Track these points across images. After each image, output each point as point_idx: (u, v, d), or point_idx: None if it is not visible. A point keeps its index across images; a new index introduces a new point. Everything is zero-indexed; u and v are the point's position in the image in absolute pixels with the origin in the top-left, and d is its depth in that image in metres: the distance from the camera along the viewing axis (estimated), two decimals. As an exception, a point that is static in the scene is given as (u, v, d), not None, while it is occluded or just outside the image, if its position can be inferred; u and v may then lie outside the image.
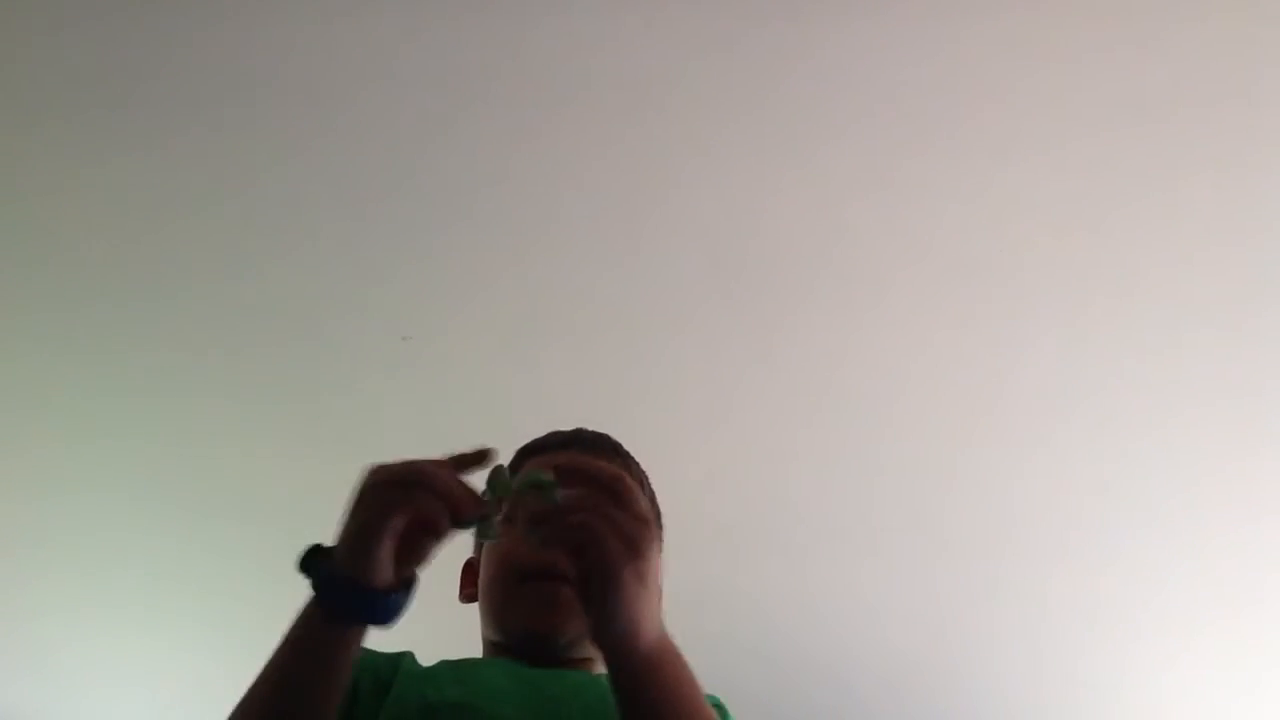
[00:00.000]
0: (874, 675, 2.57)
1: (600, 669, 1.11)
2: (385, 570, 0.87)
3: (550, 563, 1.06)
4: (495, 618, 1.12)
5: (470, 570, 1.22)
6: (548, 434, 1.24)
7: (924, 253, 1.93)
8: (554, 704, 1.01)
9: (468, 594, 1.20)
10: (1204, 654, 2.47)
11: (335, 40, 1.75)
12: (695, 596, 2.48)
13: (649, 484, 1.22)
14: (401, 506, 0.88)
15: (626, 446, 1.22)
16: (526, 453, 1.22)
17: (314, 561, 0.90)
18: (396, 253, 1.99)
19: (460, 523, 0.89)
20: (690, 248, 1.95)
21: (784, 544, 2.33)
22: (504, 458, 1.23)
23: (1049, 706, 2.61)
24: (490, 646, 1.14)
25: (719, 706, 1.00)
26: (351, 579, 0.86)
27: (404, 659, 1.07)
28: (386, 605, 0.87)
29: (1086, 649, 2.48)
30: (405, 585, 0.89)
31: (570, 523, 0.86)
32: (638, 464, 1.22)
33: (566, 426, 1.25)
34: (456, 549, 1.19)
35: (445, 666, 1.06)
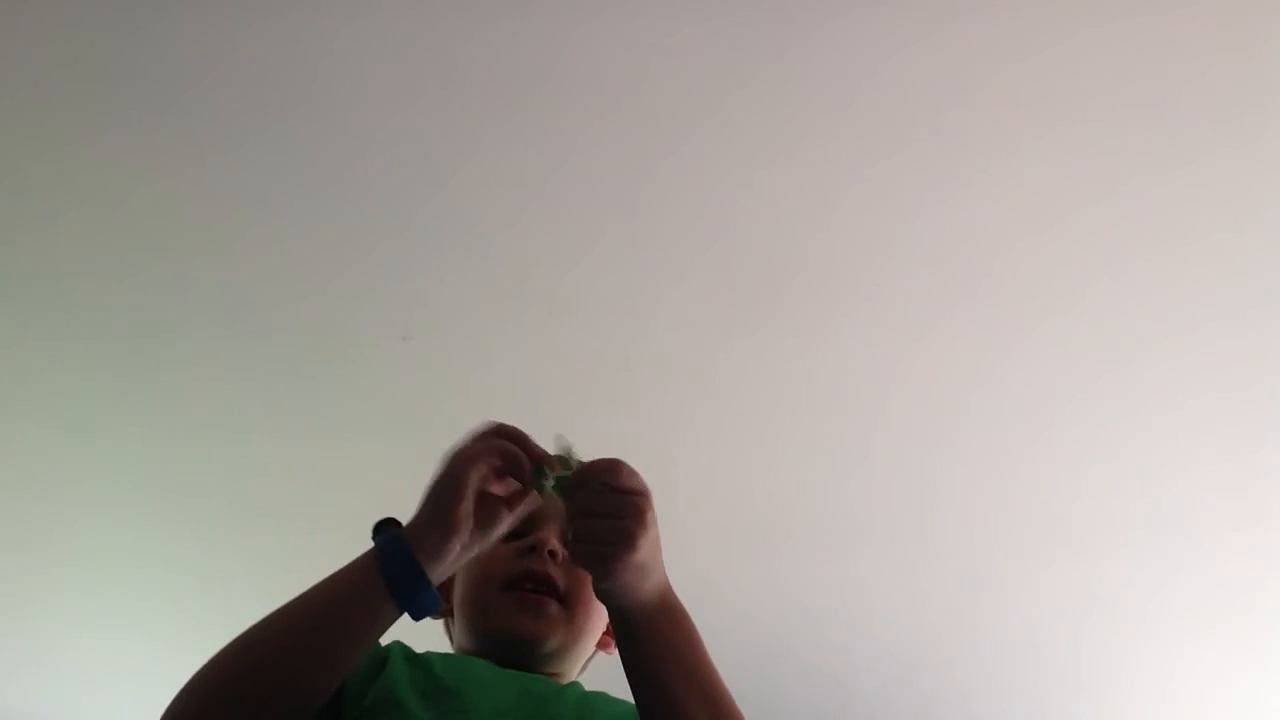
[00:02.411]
0: (869, 675, 2.58)
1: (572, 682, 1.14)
2: (463, 527, 0.94)
3: (533, 571, 1.10)
4: (476, 624, 1.12)
5: (441, 587, 1.23)
6: None
7: (920, 251, 1.93)
8: (539, 700, 1.03)
9: (440, 610, 1.21)
10: (1203, 654, 2.47)
11: (335, 41, 1.75)
12: (689, 596, 2.47)
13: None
14: (484, 455, 0.96)
15: (620, 447, 1.23)
16: None
17: (386, 531, 0.97)
18: (397, 253, 1.99)
19: (522, 479, 0.98)
20: (686, 249, 1.95)
21: (778, 544, 2.33)
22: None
23: (1047, 706, 2.61)
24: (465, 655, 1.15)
25: None
26: (413, 556, 0.93)
27: (395, 644, 1.07)
28: (430, 596, 0.93)
29: (1084, 649, 2.49)
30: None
31: (611, 476, 0.95)
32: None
33: (563, 426, 1.26)
34: None
35: (435, 655, 1.08)
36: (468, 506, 0.94)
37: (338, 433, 2.25)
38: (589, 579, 1.09)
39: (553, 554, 1.11)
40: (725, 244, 1.94)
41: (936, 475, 2.22)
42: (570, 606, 1.10)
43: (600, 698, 1.08)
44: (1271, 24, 1.65)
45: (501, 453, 0.97)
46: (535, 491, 0.98)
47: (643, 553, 0.92)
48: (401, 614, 0.94)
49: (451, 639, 1.19)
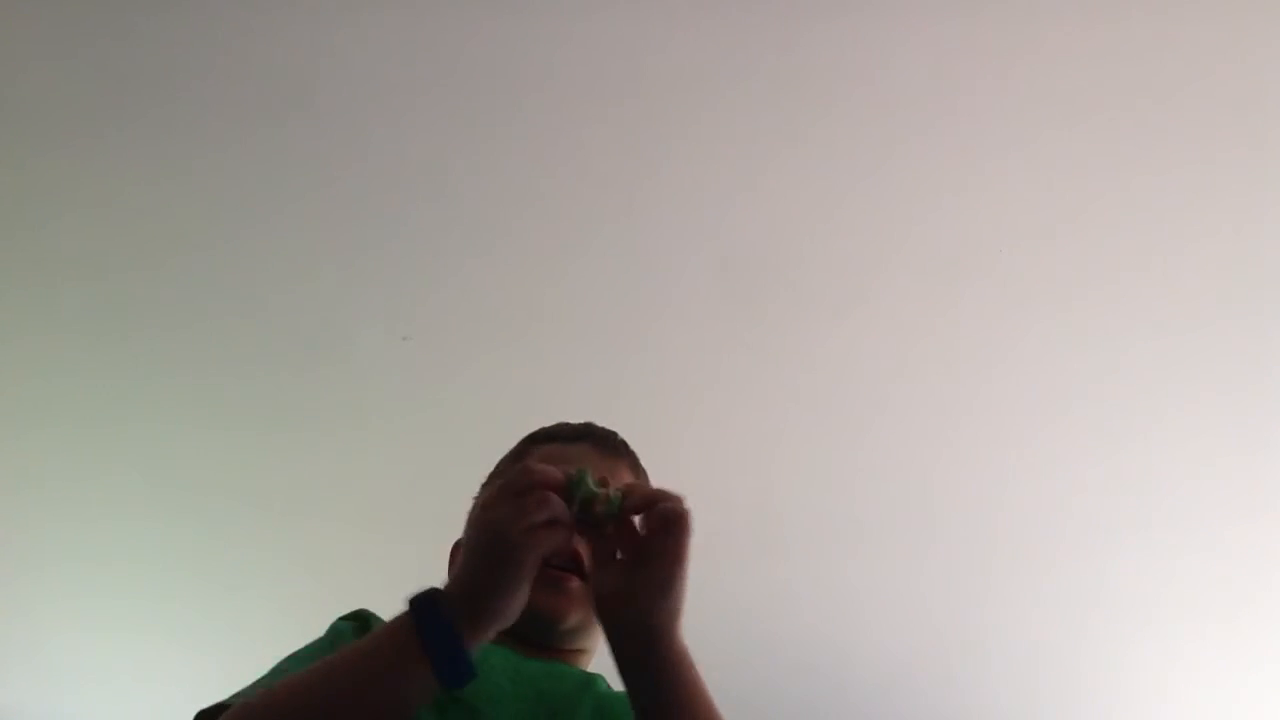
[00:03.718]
0: (869, 675, 2.57)
1: (591, 663, 1.12)
2: (521, 603, 0.90)
3: (558, 549, 1.08)
4: None
5: (460, 552, 1.22)
6: (557, 425, 1.25)
7: (920, 251, 1.93)
8: (552, 715, 1.02)
9: None
10: (1203, 653, 2.47)
11: (335, 42, 1.75)
12: (688, 597, 2.47)
13: (648, 481, 1.23)
14: (546, 541, 0.91)
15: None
16: (534, 440, 1.23)
17: (430, 603, 0.90)
18: (397, 253, 2.00)
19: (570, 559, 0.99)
20: (685, 250, 1.95)
21: (777, 544, 2.33)
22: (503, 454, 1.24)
23: (1047, 705, 2.61)
24: None
25: None
26: (463, 645, 0.88)
27: None
28: (469, 676, 0.89)
29: (1084, 648, 2.49)
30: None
31: (673, 502, 0.95)
32: (641, 464, 1.23)
33: (575, 424, 1.26)
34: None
35: None
36: (524, 596, 0.90)
37: (338, 432, 2.25)
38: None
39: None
40: (725, 242, 1.94)
41: (936, 475, 2.22)
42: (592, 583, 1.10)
43: (621, 699, 1.07)
44: (1272, 26, 1.65)
45: (549, 514, 0.91)
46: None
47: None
48: (451, 689, 0.90)
49: None
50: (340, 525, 2.34)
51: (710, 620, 2.33)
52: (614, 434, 1.23)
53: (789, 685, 2.57)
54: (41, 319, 2.13)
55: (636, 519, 0.96)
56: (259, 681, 0.98)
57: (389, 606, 1.08)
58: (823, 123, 1.79)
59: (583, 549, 1.08)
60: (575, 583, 1.09)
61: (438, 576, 1.22)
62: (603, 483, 0.97)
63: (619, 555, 0.96)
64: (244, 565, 2.44)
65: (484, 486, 1.23)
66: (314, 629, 1.10)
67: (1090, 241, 1.89)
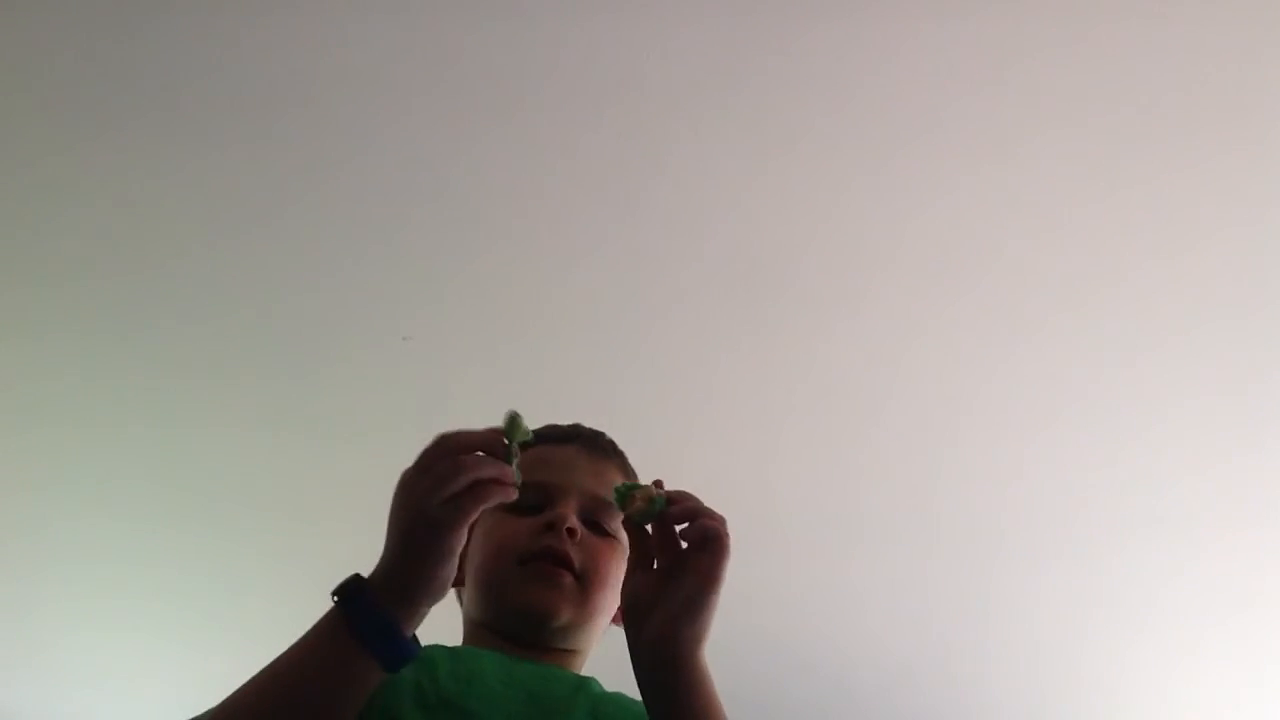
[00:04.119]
0: (870, 675, 2.57)
1: (584, 665, 1.12)
2: (449, 574, 0.89)
3: (551, 549, 1.08)
4: (490, 597, 1.10)
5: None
6: (546, 426, 1.24)
7: (920, 252, 1.93)
8: (545, 715, 1.01)
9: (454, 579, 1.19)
10: (1204, 653, 2.47)
11: (335, 41, 1.75)
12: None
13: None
14: (476, 506, 0.89)
15: (621, 446, 1.23)
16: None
17: (354, 591, 0.90)
18: (397, 253, 1.99)
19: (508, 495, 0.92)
20: (687, 249, 1.95)
21: (778, 543, 2.33)
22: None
23: (1047, 705, 2.61)
24: (476, 628, 1.13)
25: None
26: (392, 624, 0.87)
27: None
28: (411, 649, 0.89)
29: (1085, 647, 2.49)
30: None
31: (715, 522, 0.93)
32: (630, 465, 1.22)
33: (564, 426, 1.26)
34: None
35: (441, 653, 1.04)
36: (453, 566, 0.89)
37: (337, 432, 2.26)
38: (606, 555, 1.10)
39: (571, 531, 1.09)
40: (725, 242, 1.94)
41: (937, 475, 2.22)
42: (585, 582, 1.09)
43: (616, 700, 1.06)
44: (1274, 26, 1.65)
45: (474, 478, 0.89)
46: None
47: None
48: (393, 667, 0.89)
49: (461, 603, 1.17)
50: (340, 525, 2.33)
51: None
52: (602, 434, 1.23)
53: (790, 685, 2.57)
54: (42, 320, 2.13)
55: (678, 528, 0.95)
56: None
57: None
58: (825, 123, 1.78)
59: (575, 554, 1.08)
60: (568, 579, 1.08)
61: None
62: (658, 484, 0.96)
63: (656, 564, 0.96)
64: (244, 566, 2.44)
65: None
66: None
67: (1092, 242, 1.89)
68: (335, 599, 0.90)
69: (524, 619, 1.08)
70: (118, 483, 2.37)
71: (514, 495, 0.92)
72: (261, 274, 2.04)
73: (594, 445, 1.20)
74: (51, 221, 1.99)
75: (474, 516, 0.89)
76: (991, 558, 2.33)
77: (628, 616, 0.96)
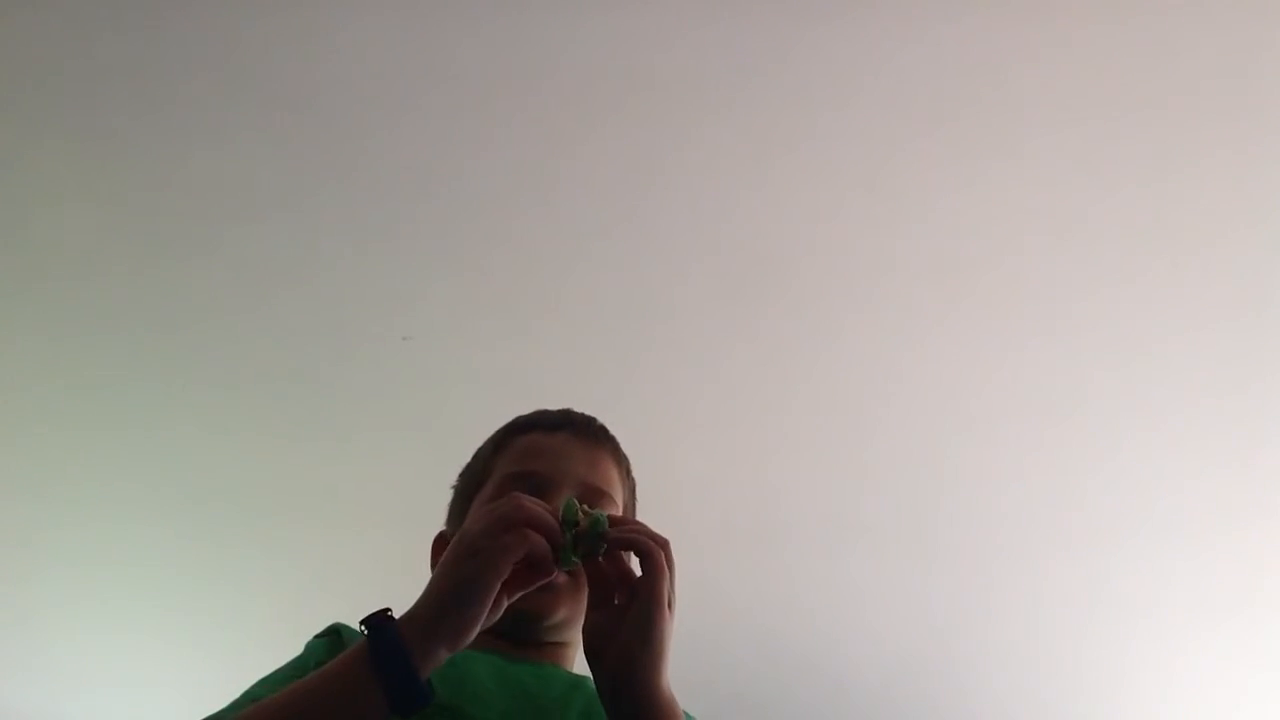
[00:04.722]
0: (870, 674, 2.57)
1: (577, 661, 1.11)
2: (472, 635, 0.88)
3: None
4: None
5: (442, 544, 1.19)
6: (536, 413, 1.23)
7: (923, 254, 1.93)
8: (540, 714, 1.01)
9: None
10: (1204, 653, 2.47)
11: (335, 42, 1.75)
12: (691, 598, 2.47)
13: (631, 471, 1.22)
14: (513, 554, 0.88)
15: (621, 445, 1.23)
16: (513, 430, 1.21)
17: (384, 634, 0.88)
18: (397, 253, 1.99)
19: (549, 569, 0.93)
20: (687, 250, 1.95)
21: (779, 544, 2.33)
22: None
23: (1047, 706, 2.61)
24: None
25: None
26: (415, 670, 0.86)
27: None
28: (426, 699, 0.87)
29: (1085, 648, 2.49)
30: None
31: (648, 542, 0.92)
32: (623, 451, 1.22)
33: (554, 412, 1.25)
34: (427, 524, 1.19)
35: None
36: (482, 616, 0.88)
37: (338, 432, 2.25)
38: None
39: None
40: (727, 244, 1.94)
41: (938, 476, 2.22)
42: (578, 578, 1.07)
43: None
44: (1273, 30, 1.65)
45: (528, 548, 0.89)
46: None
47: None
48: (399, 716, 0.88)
49: None
50: (341, 527, 2.34)
51: (713, 618, 2.34)
52: (593, 420, 1.22)
53: (791, 684, 2.57)
54: (43, 323, 2.13)
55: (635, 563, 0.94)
56: (228, 708, 0.96)
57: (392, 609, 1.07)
58: (827, 126, 1.78)
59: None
60: (561, 578, 1.05)
61: (412, 554, 1.21)
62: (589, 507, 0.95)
63: (616, 600, 0.95)
64: (244, 567, 2.44)
65: (461, 477, 1.22)
66: (315, 632, 1.10)
67: (1093, 244, 1.89)
68: (365, 628, 0.89)
69: (516, 620, 1.07)
70: (118, 484, 2.37)
71: (553, 577, 0.94)
72: (261, 274, 2.04)
73: (586, 432, 1.19)
74: (48, 224, 1.99)
75: (513, 562, 0.89)
76: (992, 558, 2.33)
77: (589, 653, 0.94)
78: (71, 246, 2.02)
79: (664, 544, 0.93)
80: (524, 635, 1.08)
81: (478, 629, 0.88)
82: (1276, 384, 2.05)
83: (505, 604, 0.90)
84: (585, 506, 0.95)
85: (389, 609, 0.89)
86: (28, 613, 2.66)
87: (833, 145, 1.81)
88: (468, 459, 1.23)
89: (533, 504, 0.91)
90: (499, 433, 1.22)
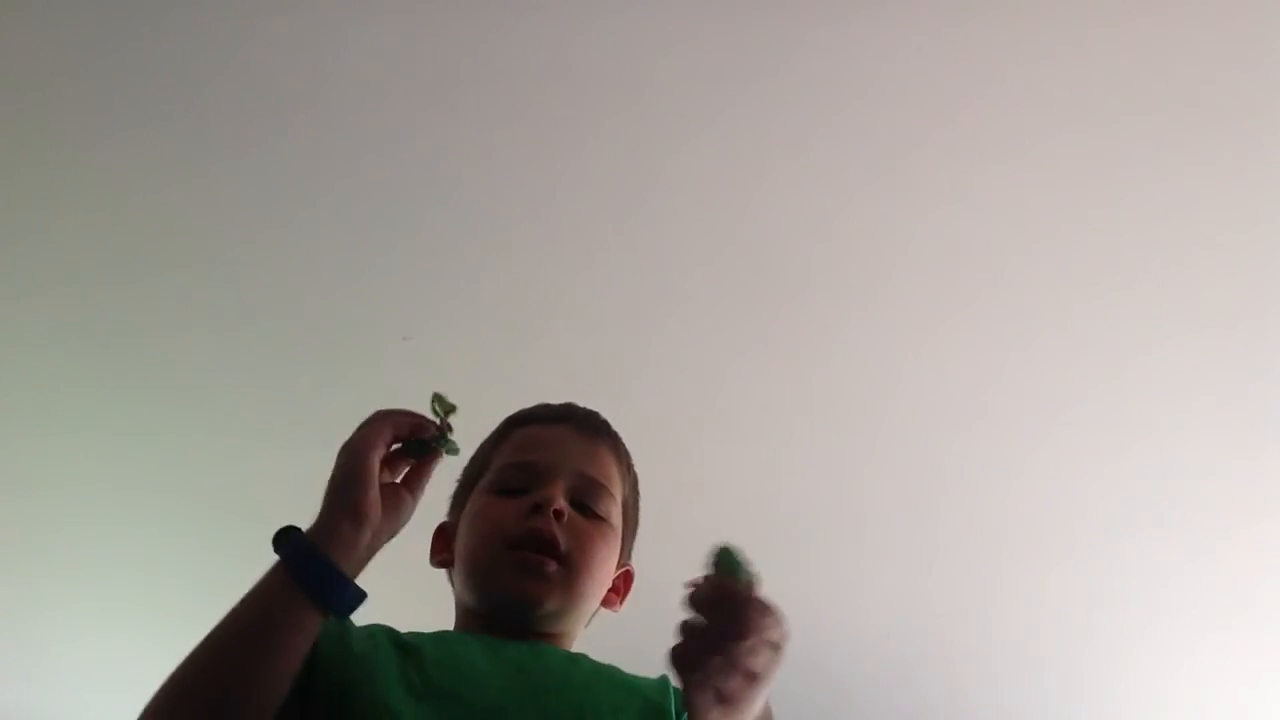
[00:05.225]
0: (871, 675, 2.57)
1: (575, 646, 1.11)
2: (373, 514, 0.94)
3: (537, 532, 1.07)
4: (476, 583, 1.10)
5: (443, 535, 1.20)
6: (538, 406, 1.25)
7: (924, 253, 1.93)
8: (537, 690, 1.00)
9: (440, 559, 1.18)
10: (1204, 653, 2.47)
11: (335, 39, 1.75)
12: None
13: (633, 467, 1.22)
14: (378, 436, 1.00)
15: (624, 448, 1.23)
16: (513, 423, 1.23)
17: (289, 539, 0.96)
18: (397, 253, 1.99)
19: (425, 442, 1.02)
20: (688, 249, 1.95)
21: (781, 544, 2.32)
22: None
23: (1048, 706, 2.61)
24: (465, 614, 1.12)
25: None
26: (324, 556, 0.92)
27: (379, 628, 1.04)
28: (353, 592, 0.92)
29: (1085, 648, 2.48)
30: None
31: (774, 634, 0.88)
32: (624, 445, 1.22)
33: (556, 405, 1.25)
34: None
35: (425, 640, 1.04)
36: (374, 493, 0.96)
37: (338, 433, 2.24)
38: (594, 538, 1.10)
39: (558, 514, 1.08)
40: (731, 246, 1.94)
41: (939, 477, 2.22)
42: (571, 567, 1.07)
43: (608, 673, 1.05)
44: (1275, 29, 1.65)
45: (395, 426, 1.01)
46: (437, 458, 1.02)
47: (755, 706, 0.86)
48: (328, 616, 0.92)
49: (453, 585, 1.16)
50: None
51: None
52: (595, 414, 1.22)
53: (790, 685, 2.57)
54: (42, 324, 2.13)
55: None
56: None
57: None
58: (831, 127, 1.78)
59: (562, 537, 1.07)
60: (553, 567, 1.06)
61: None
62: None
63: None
64: (244, 568, 2.43)
65: (465, 471, 1.22)
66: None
67: (1095, 245, 1.89)
68: (273, 545, 0.95)
69: (509, 608, 1.07)
70: (118, 486, 2.37)
71: (551, 531, 1.00)
72: (261, 275, 2.04)
73: (586, 425, 1.19)
74: (49, 227, 1.99)
75: (381, 442, 1.00)
76: (993, 558, 2.33)
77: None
78: (72, 249, 2.02)
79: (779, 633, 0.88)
80: (516, 624, 1.08)
81: (373, 509, 0.96)
82: (1277, 385, 2.04)
83: (408, 500, 1.01)
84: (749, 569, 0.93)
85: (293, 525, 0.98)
86: (28, 613, 2.66)
87: (839, 147, 1.81)
88: (469, 458, 1.24)
89: (393, 410, 1.05)
90: (501, 425, 1.24)
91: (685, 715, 0.95)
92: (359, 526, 0.94)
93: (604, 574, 1.11)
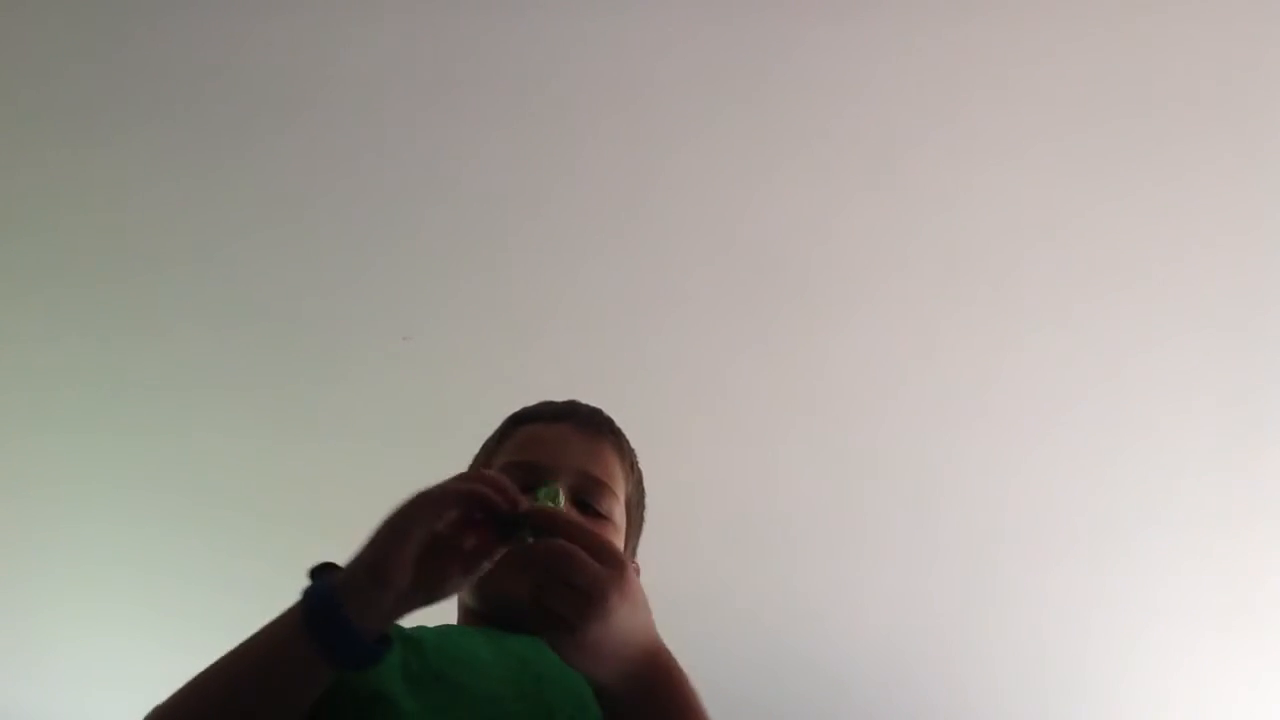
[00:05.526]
0: (872, 675, 2.57)
1: None
2: (399, 579, 0.84)
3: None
4: (475, 583, 1.10)
5: None
6: (541, 403, 1.23)
7: (925, 252, 1.93)
8: (537, 681, 0.99)
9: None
10: (1204, 654, 2.47)
11: (336, 39, 1.75)
12: (694, 597, 2.49)
13: (638, 464, 1.22)
14: (446, 499, 0.86)
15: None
16: (517, 420, 1.21)
17: (318, 579, 0.88)
18: (397, 253, 1.99)
19: (500, 516, 0.87)
20: (689, 250, 1.95)
21: (782, 544, 2.33)
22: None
23: (1048, 706, 2.61)
24: (467, 613, 1.12)
25: None
26: (340, 609, 0.84)
27: None
28: (365, 651, 0.85)
29: (1085, 649, 2.48)
30: (384, 640, 0.87)
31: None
32: (628, 442, 1.21)
33: (558, 403, 1.25)
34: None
35: (428, 633, 1.03)
36: (408, 555, 0.85)
37: (338, 433, 2.25)
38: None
39: None
40: (730, 246, 1.94)
41: (939, 477, 2.22)
42: None
43: None
44: (1275, 29, 1.65)
45: (469, 497, 0.86)
46: (503, 547, 0.89)
47: (606, 633, 0.83)
48: (346, 667, 0.86)
49: None
50: (342, 527, 2.33)
51: (713, 617, 2.34)
52: (598, 412, 1.21)
53: (792, 684, 2.57)
54: (43, 324, 2.13)
55: None
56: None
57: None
58: (832, 126, 1.78)
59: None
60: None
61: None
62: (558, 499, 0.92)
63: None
64: (244, 567, 2.43)
65: (469, 468, 1.22)
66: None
67: (1095, 245, 1.89)
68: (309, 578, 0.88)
69: (509, 609, 1.06)
70: (118, 486, 2.37)
71: (500, 511, 0.88)
72: (261, 274, 2.04)
73: (588, 423, 1.18)
74: (49, 227, 1.99)
75: (442, 516, 0.86)
76: (994, 557, 2.33)
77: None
78: (72, 249, 2.02)
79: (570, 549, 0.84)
80: (518, 622, 1.08)
81: (402, 573, 0.85)
82: (1277, 386, 2.04)
83: (455, 577, 0.88)
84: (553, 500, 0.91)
85: (333, 563, 0.88)
86: (28, 613, 2.66)
87: (838, 147, 1.81)
88: (468, 460, 1.24)
89: (490, 474, 0.90)
90: (504, 423, 1.22)
91: None
92: (382, 588, 0.85)
93: None
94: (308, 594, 0.87)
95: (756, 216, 1.90)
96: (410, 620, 1.03)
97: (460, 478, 0.89)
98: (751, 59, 1.72)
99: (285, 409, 2.23)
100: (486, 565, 0.89)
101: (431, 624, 1.09)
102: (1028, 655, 2.51)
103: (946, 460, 2.19)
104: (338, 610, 0.84)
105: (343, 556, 0.98)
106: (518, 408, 1.26)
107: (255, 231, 1.98)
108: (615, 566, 0.84)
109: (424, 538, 0.85)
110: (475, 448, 1.24)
